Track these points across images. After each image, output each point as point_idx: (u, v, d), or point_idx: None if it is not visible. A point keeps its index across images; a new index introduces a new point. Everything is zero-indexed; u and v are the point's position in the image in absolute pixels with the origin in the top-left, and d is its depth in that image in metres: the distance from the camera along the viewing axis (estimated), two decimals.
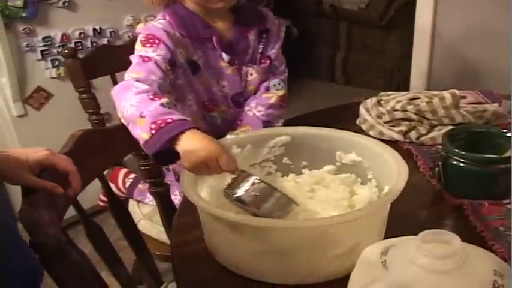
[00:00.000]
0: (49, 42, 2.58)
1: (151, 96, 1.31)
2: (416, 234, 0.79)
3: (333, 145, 1.31)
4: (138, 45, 1.50)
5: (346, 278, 0.91)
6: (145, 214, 1.85)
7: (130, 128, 1.31)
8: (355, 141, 1.29)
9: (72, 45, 2.64)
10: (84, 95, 1.88)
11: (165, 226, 1.67)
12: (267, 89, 1.71)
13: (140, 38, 1.51)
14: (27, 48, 2.52)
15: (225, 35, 1.61)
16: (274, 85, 1.71)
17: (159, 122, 1.23)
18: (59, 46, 2.61)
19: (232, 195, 1.15)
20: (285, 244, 1.02)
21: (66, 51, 1.87)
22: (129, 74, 1.42)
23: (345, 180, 1.29)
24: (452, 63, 3.05)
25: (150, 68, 1.43)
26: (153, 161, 1.30)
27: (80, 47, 2.66)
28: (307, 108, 1.86)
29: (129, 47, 1.86)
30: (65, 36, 2.62)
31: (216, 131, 1.54)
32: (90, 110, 1.91)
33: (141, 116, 1.27)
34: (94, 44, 2.72)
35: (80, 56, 1.90)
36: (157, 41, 1.48)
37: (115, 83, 1.96)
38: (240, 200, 1.14)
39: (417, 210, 1.31)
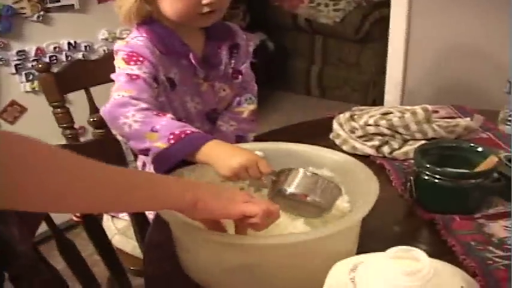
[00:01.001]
0: (23, 56, 2.57)
1: (155, 113, 1.35)
2: (388, 249, 0.80)
3: (305, 161, 1.31)
4: (120, 63, 1.48)
5: None
6: (119, 229, 1.84)
7: (133, 143, 1.34)
8: (327, 157, 1.30)
9: (47, 59, 2.64)
10: (59, 109, 1.87)
11: (138, 241, 1.66)
12: (239, 103, 1.72)
13: (122, 55, 1.49)
14: (1, 62, 2.51)
15: (199, 51, 1.61)
16: (246, 99, 1.72)
17: (178, 132, 1.28)
18: (33, 60, 2.60)
19: (284, 191, 1.19)
20: (253, 261, 1.02)
21: (40, 65, 1.85)
22: (119, 93, 1.39)
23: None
24: (427, 78, 3.07)
25: (141, 86, 1.42)
26: (156, 168, 1.31)
27: (55, 61, 2.66)
28: (283, 121, 1.87)
29: (104, 61, 1.87)
30: (40, 50, 2.62)
31: None
32: (64, 125, 1.89)
33: (152, 131, 1.30)
34: (69, 58, 2.71)
35: (55, 70, 1.90)
36: (141, 59, 1.47)
37: (89, 97, 1.95)
38: (293, 194, 1.17)
39: (389, 225, 1.32)
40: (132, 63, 1.46)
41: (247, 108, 1.72)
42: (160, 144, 1.27)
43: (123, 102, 1.37)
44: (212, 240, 1.02)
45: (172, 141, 1.26)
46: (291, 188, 1.18)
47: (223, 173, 1.22)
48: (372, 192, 1.08)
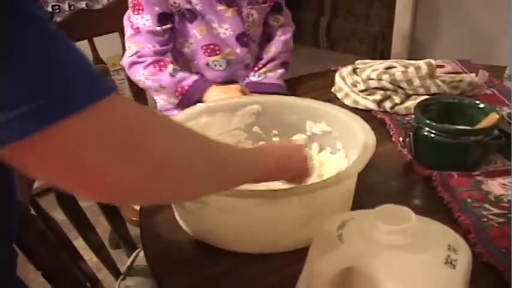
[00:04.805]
0: None
1: (157, 68, 1.60)
2: (384, 204, 0.80)
3: (304, 114, 1.31)
4: (129, 10, 1.60)
5: (307, 248, 0.91)
6: None
7: (154, 94, 1.70)
8: (325, 111, 1.29)
9: (50, 8, 2.61)
10: None
11: None
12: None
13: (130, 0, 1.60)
14: None
15: None
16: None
17: (180, 89, 1.60)
18: None
19: None
20: (248, 214, 1.02)
21: None
22: (129, 45, 1.63)
23: (314, 150, 1.29)
24: (435, 30, 3.04)
25: (142, 39, 1.59)
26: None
27: (58, 10, 2.63)
28: (290, 72, 1.86)
29: (108, 11, 1.86)
30: None
31: (225, 75, 1.76)
32: None
33: (162, 87, 1.61)
34: (72, 7, 2.69)
35: (58, 19, 1.88)
36: (140, 7, 1.57)
37: (93, 47, 1.94)
38: None
39: (387, 180, 1.32)
40: (135, 12, 1.58)
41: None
42: (174, 100, 1.62)
43: (132, 61, 1.62)
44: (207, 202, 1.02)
45: (179, 97, 1.61)
46: None
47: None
48: (368, 148, 1.07)
